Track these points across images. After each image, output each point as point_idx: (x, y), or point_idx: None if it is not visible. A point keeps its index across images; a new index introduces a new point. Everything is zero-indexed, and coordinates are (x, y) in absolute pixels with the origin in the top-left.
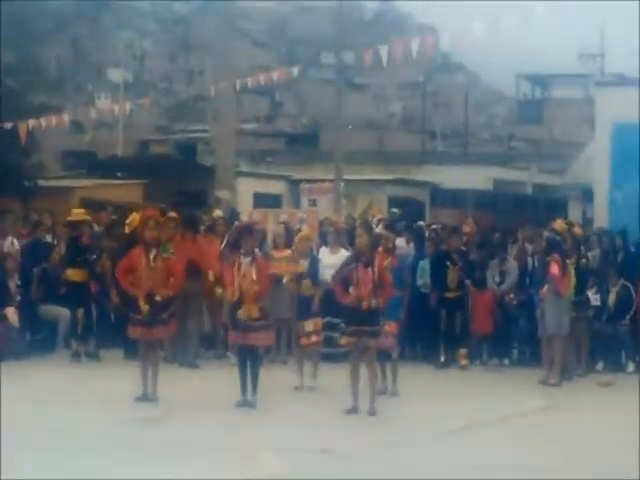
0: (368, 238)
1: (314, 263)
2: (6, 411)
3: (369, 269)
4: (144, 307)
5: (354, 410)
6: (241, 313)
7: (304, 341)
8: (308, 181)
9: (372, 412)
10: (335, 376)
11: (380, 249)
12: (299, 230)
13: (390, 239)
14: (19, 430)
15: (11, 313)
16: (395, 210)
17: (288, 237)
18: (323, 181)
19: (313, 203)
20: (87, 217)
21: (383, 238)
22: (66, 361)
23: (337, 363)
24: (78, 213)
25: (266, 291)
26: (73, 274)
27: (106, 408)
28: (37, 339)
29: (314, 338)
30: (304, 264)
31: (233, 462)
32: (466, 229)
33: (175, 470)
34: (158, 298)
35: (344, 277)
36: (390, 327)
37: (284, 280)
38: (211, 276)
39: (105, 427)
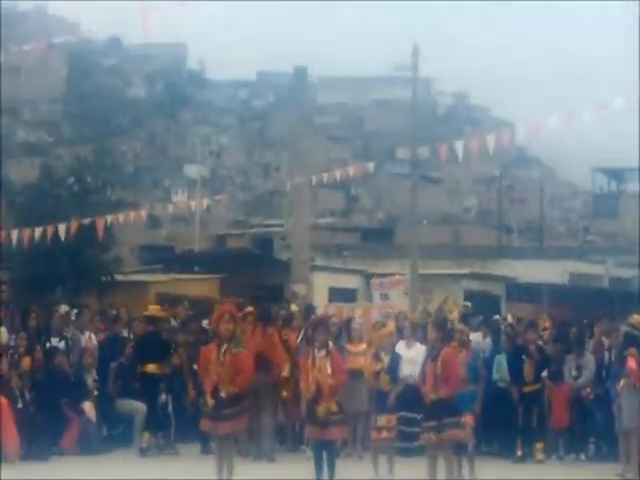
0: (437, 334)
1: (394, 358)
2: None
3: (434, 363)
4: (210, 401)
5: None
6: (320, 410)
7: (374, 436)
8: (378, 275)
9: None
10: (412, 470)
11: (454, 343)
12: (380, 324)
13: (465, 332)
14: None
15: (88, 408)
16: (467, 303)
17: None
18: (393, 275)
19: (385, 297)
20: (163, 313)
21: (457, 332)
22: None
23: (414, 457)
24: (154, 309)
25: (341, 385)
26: (150, 368)
27: None
28: (114, 434)
29: (385, 434)
30: (385, 359)
31: None
32: (543, 324)
33: None
34: (222, 394)
35: (422, 374)
36: (465, 419)
37: (365, 374)
38: (286, 372)
39: None
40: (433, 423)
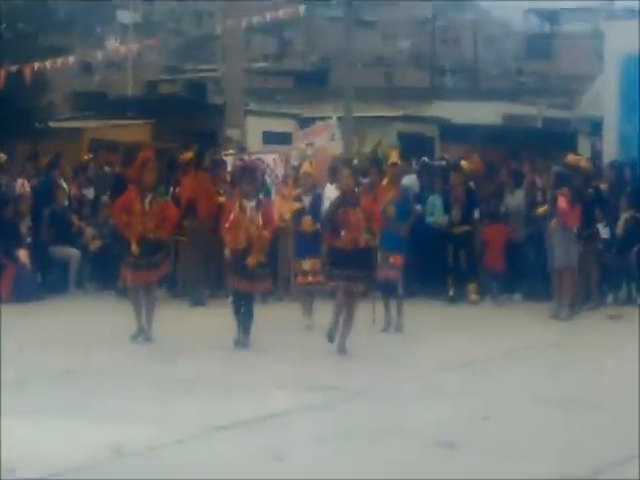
0: (352, 178)
1: (316, 199)
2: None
3: (357, 209)
4: (135, 249)
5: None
6: (251, 261)
7: (300, 280)
8: (302, 123)
9: (342, 349)
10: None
11: (386, 179)
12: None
13: (397, 167)
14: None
15: (23, 255)
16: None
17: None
18: (321, 119)
19: (311, 145)
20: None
21: (388, 168)
22: (76, 301)
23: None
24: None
25: (271, 237)
26: None
27: (105, 347)
28: (49, 280)
29: (310, 278)
30: (306, 201)
31: (236, 400)
32: (473, 164)
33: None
34: (149, 239)
35: (333, 220)
36: (395, 259)
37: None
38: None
39: (105, 364)
40: (353, 273)
